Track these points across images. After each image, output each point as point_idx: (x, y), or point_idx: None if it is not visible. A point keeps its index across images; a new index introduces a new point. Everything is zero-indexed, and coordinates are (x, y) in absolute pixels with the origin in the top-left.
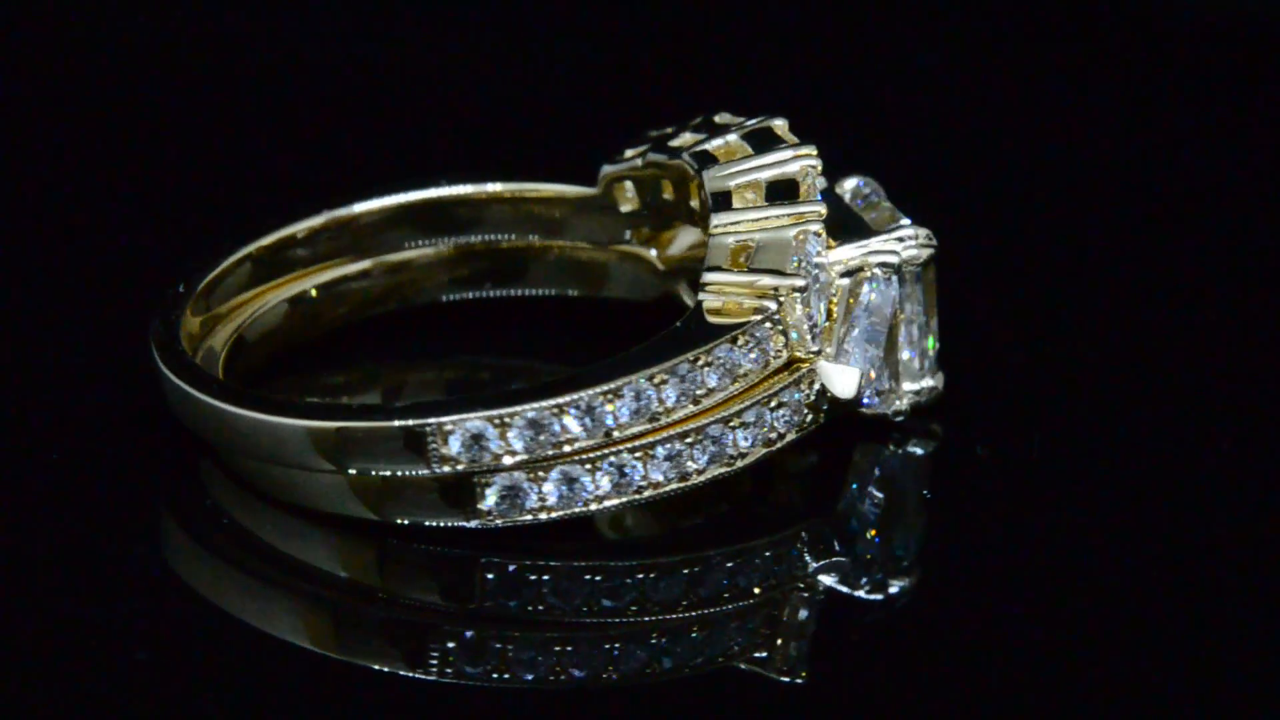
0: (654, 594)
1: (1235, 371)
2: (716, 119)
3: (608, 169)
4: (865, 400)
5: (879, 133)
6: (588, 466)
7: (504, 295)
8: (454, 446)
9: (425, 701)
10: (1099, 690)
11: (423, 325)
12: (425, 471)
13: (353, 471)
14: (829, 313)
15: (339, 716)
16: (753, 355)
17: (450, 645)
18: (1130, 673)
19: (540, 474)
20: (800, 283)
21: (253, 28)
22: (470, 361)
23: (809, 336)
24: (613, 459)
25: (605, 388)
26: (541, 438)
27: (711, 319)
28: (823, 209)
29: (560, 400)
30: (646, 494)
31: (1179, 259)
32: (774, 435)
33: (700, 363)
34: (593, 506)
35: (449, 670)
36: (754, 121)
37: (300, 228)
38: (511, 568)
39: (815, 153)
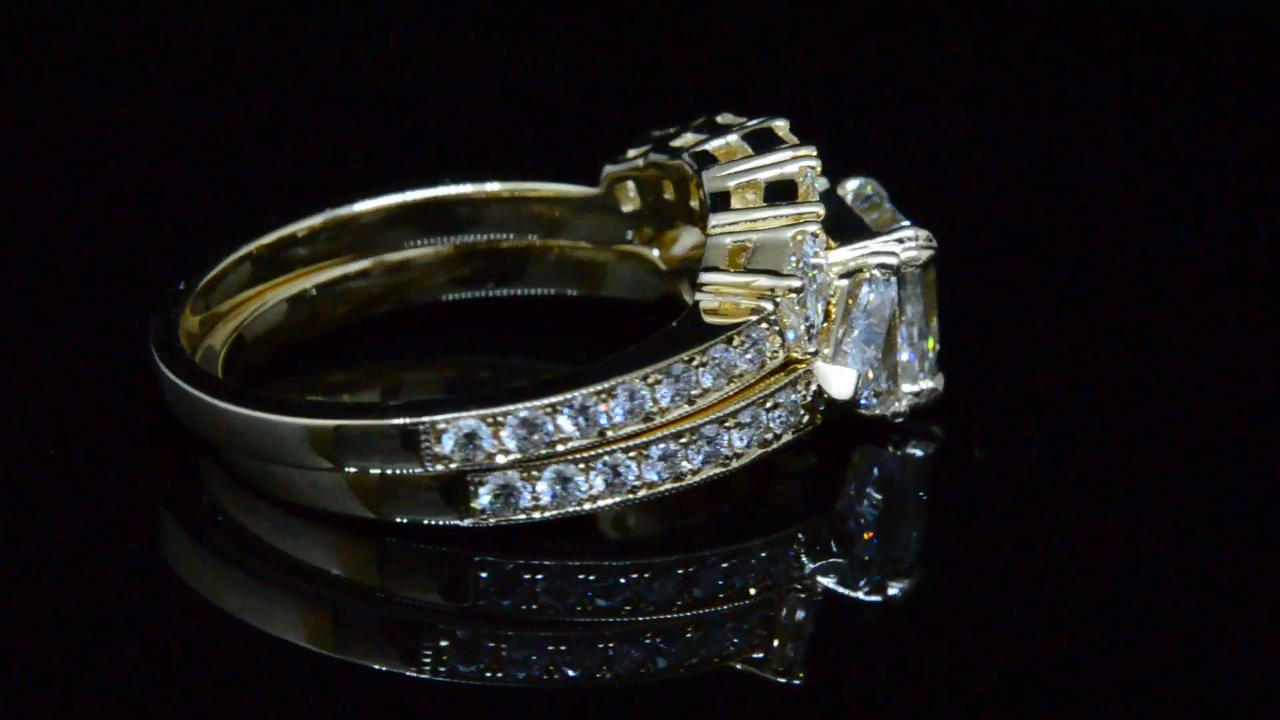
0: (648, 594)
1: (1235, 373)
2: (719, 119)
3: (609, 169)
4: (863, 401)
5: (883, 134)
6: (581, 466)
7: (504, 295)
8: (447, 445)
9: (418, 700)
10: (1098, 692)
11: (422, 325)
12: (419, 470)
13: (350, 470)
14: (827, 314)
15: (332, 715)
16: (749, 356)
17: (444, 644)
18: (1129, 674)
19: (534, 473)
20: (797, 284)
21: (254, 28)
22: (470, 361)
23: (806, 337)
24: (607, 459)
25: (599, 387)
26: (535, 437)
27: (708, 319)
28: (821, 210)
29: (553, 400)
30: (641, 494)
31: (1179, 260)
32: (770, 436)
33: (695, 363)
34: (586, 506)
35: (442, 669)
36: (755, 122)
37: (300, 227)
38: (506, 567)
39: (815, 154)
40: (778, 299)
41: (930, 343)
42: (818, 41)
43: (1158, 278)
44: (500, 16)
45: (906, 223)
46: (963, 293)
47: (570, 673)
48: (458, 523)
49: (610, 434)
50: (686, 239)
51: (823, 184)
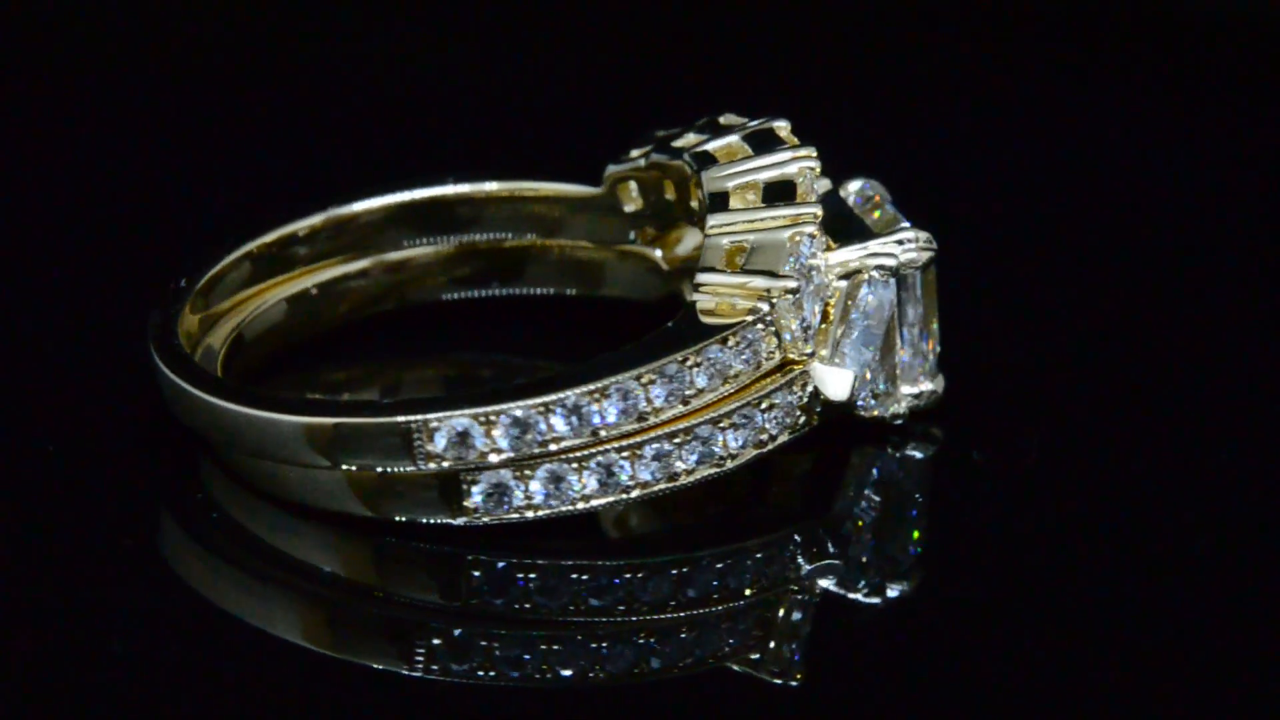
0: (642, 594)
1: (1235, 375)
2: (722, 120)
3: (612, 169)
4: (860, 403)
5: (888, 136)
6: (575, 465)
7: (504, 294)
8: (440, 444)
9: (411, 699)
10: (1096, 694)
11: (422, 324)
12: (411, 468)
13: (349, 468)
14: (826, 314)
15: (324, 713)
16: (744, 356)
17: (436, 642)
18: (1128, 676)
19: (527, 472)
20: (792, 285)
21: (255, 28)
22: (471, 359)
23: (802, 338)
24: (600, 458)
25: (592, 387)
26: (527, 436)
27: (704, 319)
28: (818, 211)
29: (546, 399)
30: (634, 494)
31: (1180, 263)
32: (765, 437)
33: (689, 363)
34: (580, 506)
35: (435, 667)
36: (756, 123)
37: (299, 226)
38: (499, 566)
39: (815, 155)
40: (774, 300)
41: (930, 344)
42: (824, 42)
43: (1158, 280)
44: (502, 16)
45: (906, 224)
46: (964, 294)
47: (564, 672)
48: (450, 521)
49: (603, 434)
50: (689, 239)
51: (825, 185)
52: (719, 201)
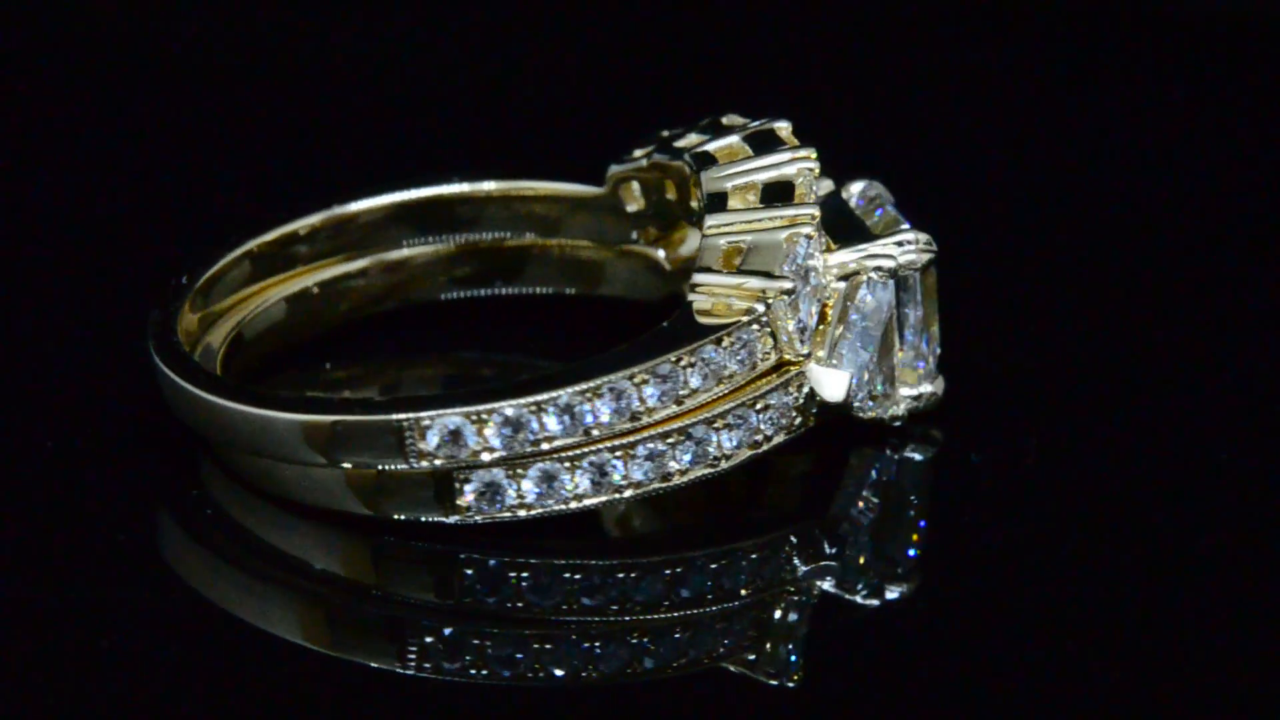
0: (635, 594)
1: (1235, 378)
2: (724, 120)
3: (614, 169)
4: (857, 404)
5: (892, 137)
6: (567, 465)
7: (504, 294)
8: (432, 442)
9: (403, 697)
10: (1094, 697)
11: (422, 323)
12: (403, 466)
13: (346, 466)
14: (824, 315)
15: (316, 710)
16: (739, 357)
17: (429, 641)
18: (1125, 680)
19: (519, 471)
20: (788, 285)
21: (256, 27)
22: (471, 359)
23: (798, 339)
24: (593, 458)
25: (584, 386)
26: (520, 435)
27: (700, 320)
28: (816, 212)
29: (538, 398)
30: (628, 494)
31: (1180, 264)
32: (760, 438)
33: (683, 363)
34: (572, 505)
35: (427, 666)
36: (758, 123)
37: (299, 225)
38: (491, 564)
39: (814, 156)
40: (769, 301)
41: (930, 346)
42: (830, 42)
43: (1159, 282)
44: (503, 16)
45: (907, 226)
46: (966, 296)
47: (556, 671)
48: (444, 520)
49: (596, 433)
50: (692, 240)
51: (828, 185)
52: (717, 202)
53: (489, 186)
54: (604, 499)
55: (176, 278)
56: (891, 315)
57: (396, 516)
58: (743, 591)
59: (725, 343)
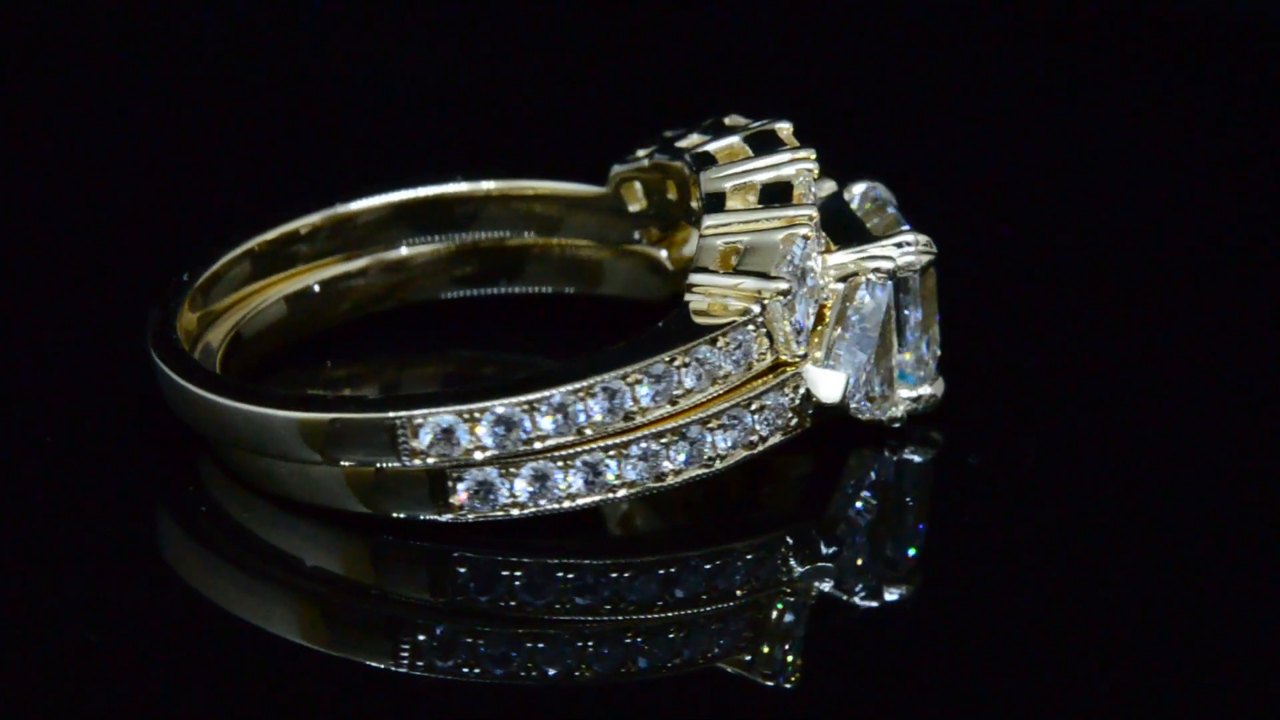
0: (629, 593)
1: (1235, 380)
2: (727, 121)
3: (617, 169)
4: (855, 406)
5: (897, 139)
6: (560, 464)
7: (504, 293)
8: (424, 440)
9: (396, 694)
10: (1093, 701)
11: (422, 322)
12: (396, 464)
13: (344, 464)
14: (821, 316)
15: (309, 709)
16: (734, 357)
17: (421, 639)
18: (1125, 681)
19: (512, 470)
20: (783, 286)
21: (257, 27)
22: (472, 358)
23: (794, 340)
24: (586, 457)
25: (577, 385)
26: (512, 434)
27: (697, 320)
28: (814, 213)
29: (531, 397)
30: (621, 493)
31: (1180, 266)
32: (755, 438)
33: (677, 363)
34: (566, 505)
35: (420, 664)
36: (759, 124)
37: (299, 225)
38: (485, 562)
39: (813, 157)
40: (765, 301)
41: (930, 348)
42: (835, 43)
43: (1159, 283)
44: (503, 15)
45: (906, 227)
46: (970, 299)
47: (549, 671)
48: (437, 518)
49: (590, 432)
50: (695, 240)
51: (831, 186)
52: (715, 202)
53: (489, 186)
54: (597, 499)
55: (176, 276)
56: (890, 317)
57: (396, 515)
58: (738, 592)
59: (720, 343)
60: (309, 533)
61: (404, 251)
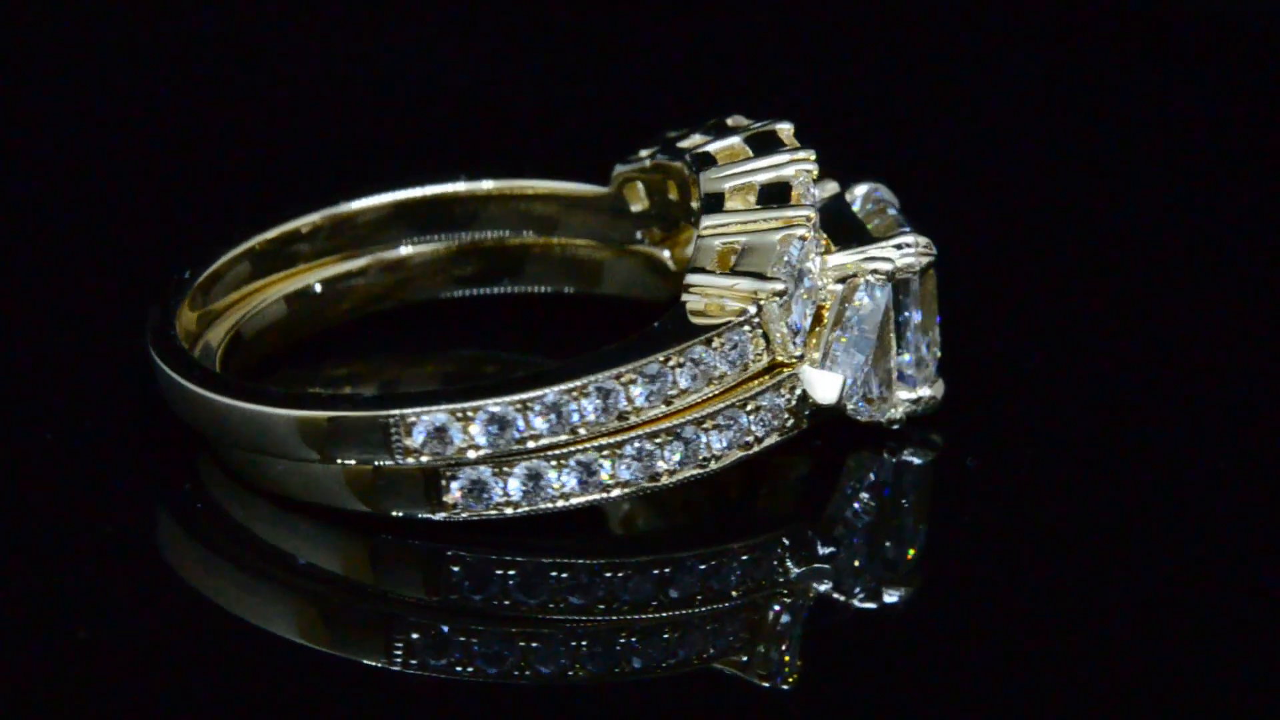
0: (623, 593)
1: (1235, 382)
2: (729, 121)
3: (619, 169)
4: (852, 407)
5: (900, 141)
6: (554, 463)
7: (505, 292)
8: (417, 438)
9: (389, 693)
10: (1092, 703)
11: (423, 322)
12: (389, 462)
13: (342, 462)
14: (820, 317)
15: (302, 706)
16: (730, 358)
17: (415, 637)
18: (1124, 684)
19: (506, 469)
20: (779, 287)
21: (258, 26)
22: (472, 357)
23: (790, 341)
24: (580, 457)
25: (571, 385)
26: (506, 433)
27: (693, 320)
28: (811, 214)
29: (524, 396)
30: (615, 493)
31: (1181, 268)
32: (750, 439)
33: (671, 363)
34: (559, 504)
35: (414, 662)
36: (760, 125)
37: (298, 224)
38: (478, 561)
39: (813, 158)
40: (761, 302)
41: (930, 350)
42: (839, 44)
43: (1159, 285)
44: (503, 15)
45: (906, 229)
46: (971, 301)
47: (543, 670)
48: (430, 516)
49: (583, 432)
50: None
51: (833, 188)
52: (714, 202)
53: (489, 185)
54: (591, 498)
55: (177, 275)
56: (888, 318)
57: (395, 514)
58: (734, 593)
59: (715, 343)
60: (307, 531)
61: (404, 251)
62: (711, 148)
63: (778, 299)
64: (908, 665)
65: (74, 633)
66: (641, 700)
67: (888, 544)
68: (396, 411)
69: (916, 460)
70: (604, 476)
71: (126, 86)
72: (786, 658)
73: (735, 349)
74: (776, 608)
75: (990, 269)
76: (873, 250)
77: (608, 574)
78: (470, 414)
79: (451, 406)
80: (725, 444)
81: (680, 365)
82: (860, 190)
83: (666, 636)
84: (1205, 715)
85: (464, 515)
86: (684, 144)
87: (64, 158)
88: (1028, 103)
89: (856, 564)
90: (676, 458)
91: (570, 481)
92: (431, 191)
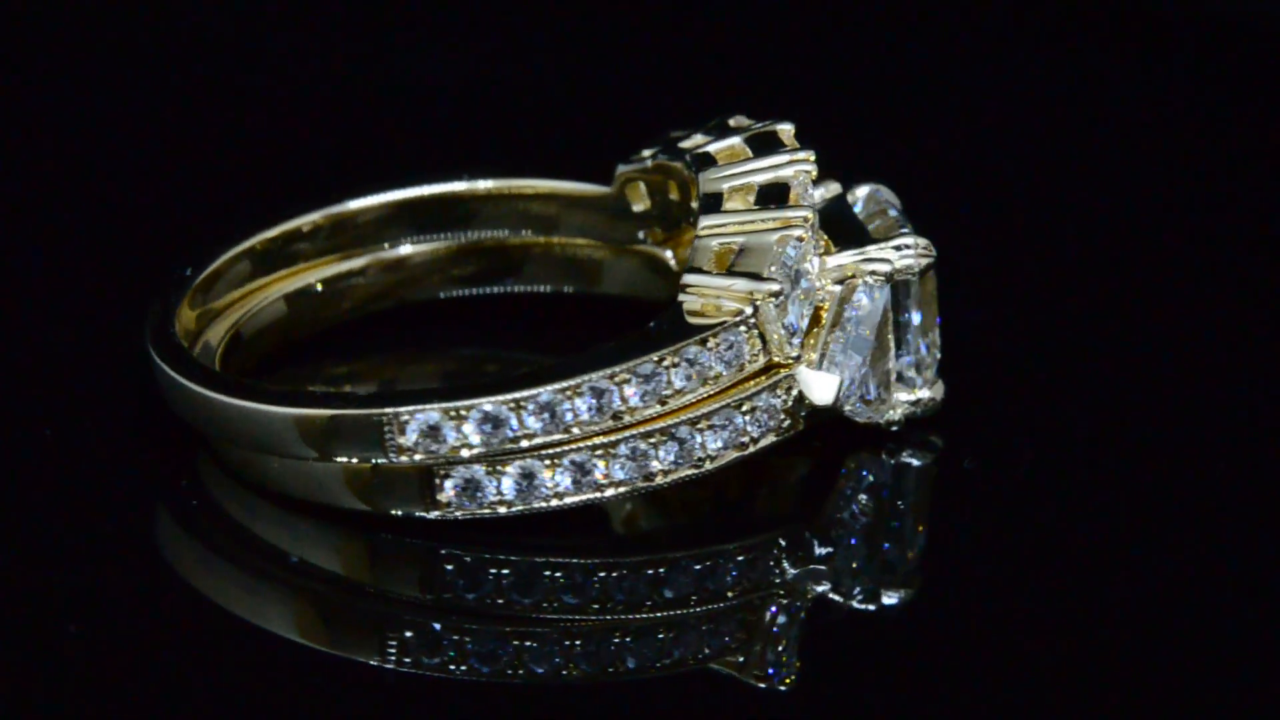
0: (618, 593)
1: (1235, 384)
2: (731, 122)
3: (622, 169)
4: (849, 408)
5: (902, 142)
6: (548, 463)
7: (505, 291)
8: (410, 437)
9: (382, 691)
10: (1089, 705)
11: (423, 321)
12: (383, 460)
13: (339, 460)
14: (818, 318)
15: (296, 704)
16: (726, 358)
17: (408, 635)
18: (1124, 686)
19: (499, 468)
20: (775, 288)
21: (258, 26)
22: (472, 356)
23: (787, 342)
24: (574, 456)
25: (564, 384)
26: (499, 432)
27: (689, 320)
28: (809, 214)
29: (518, 395)
30: (609, 493)
31: (1181, 270)
32: (746, 439)
33: (666, 363)
34: (553, 503)
35: (407, 660)
36: (761, 125)
37: (299, 223)
38: (472, 560)
39: (812, 158)
40: (757, 302)
41: (930, 352)
42: (841, 45)
43: (1160, 287)
44: (503, 15)
45: (906, 230)
46: (972, 302)
47: (536, 669)
48: (424, 515)
49: (577, 431)
50: None
51: (835, 188)
52: (712, 203)
53: (488, 185)
54: (585, 498)
55: (177, 273)
56: (887, 320)
57: (393, 512)
58: (729, 593)
59: (711, 344)
60: (306, 530)
61: (405, 250)
62: (712, 148)
63: (774, 299)
64: (906, 667)
65: (66, 629)
66: (636, 700)
67: (886, 545)
68: (390, 410)
69: (915, 462)
70: (598, 476)
71: (127, 86)
72: (784, 658)
73: (731, 349)
74: (773, 608)
75: (990, 269)
76: (872, 251)
77: (602, 573)
78: (464, 412)
79: (445, 405)
80: (720, 444)
81: (675, 365)
82: (862, 191)
83: (661, 637)
84: (1205, 715)
85: (458, 514)
86: (685, 144)
87: (64, 157)
88: (1028, 103)
89: (854, 565)
90: (671, 458)
91: (564, 481)
92: (432, 191)
